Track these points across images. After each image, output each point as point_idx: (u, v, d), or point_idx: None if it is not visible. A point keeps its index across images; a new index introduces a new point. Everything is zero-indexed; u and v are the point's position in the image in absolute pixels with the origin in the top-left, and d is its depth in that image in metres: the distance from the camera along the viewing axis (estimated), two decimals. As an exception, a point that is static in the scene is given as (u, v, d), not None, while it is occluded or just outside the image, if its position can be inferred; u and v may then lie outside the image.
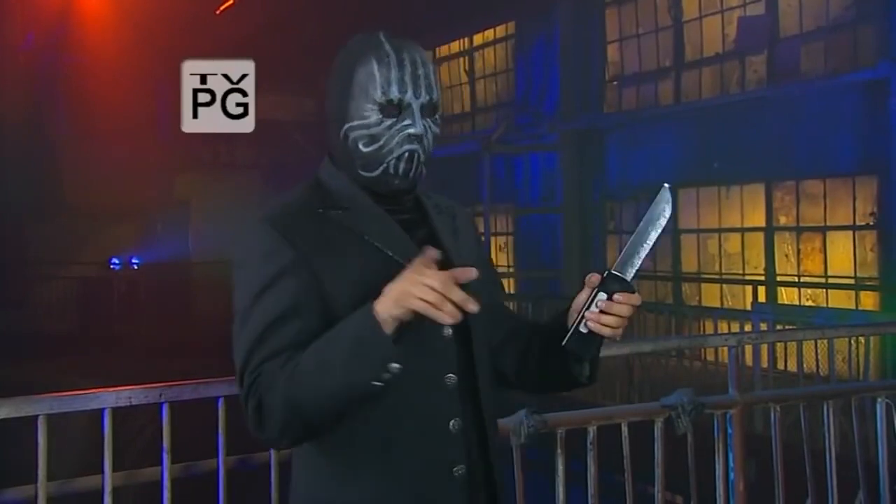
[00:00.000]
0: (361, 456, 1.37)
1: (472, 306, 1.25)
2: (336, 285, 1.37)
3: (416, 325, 1.30)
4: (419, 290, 1.24)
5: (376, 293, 1.28)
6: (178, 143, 16.38)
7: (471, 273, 1.28)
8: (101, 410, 1.94)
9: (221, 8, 13.14)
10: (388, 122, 1.40)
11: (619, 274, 1.39)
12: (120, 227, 15.56)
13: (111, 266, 15.97)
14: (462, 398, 1.42)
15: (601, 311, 1.37)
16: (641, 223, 1.43)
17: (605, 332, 1.37)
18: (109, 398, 1.94)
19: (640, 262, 1.40)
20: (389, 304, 1.26)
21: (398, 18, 12.47)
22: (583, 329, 1.39)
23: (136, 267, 16.07)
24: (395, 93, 1.39)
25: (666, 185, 1.46)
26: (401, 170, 1.41)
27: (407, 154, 1.41)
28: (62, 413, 1.90)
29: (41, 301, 13.98)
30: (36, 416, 1.88)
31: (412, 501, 1.37)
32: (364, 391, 1.29)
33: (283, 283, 1.35)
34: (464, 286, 1.28)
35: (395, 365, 1.27)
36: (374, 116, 1.40)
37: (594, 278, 1.39)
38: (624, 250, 1.41)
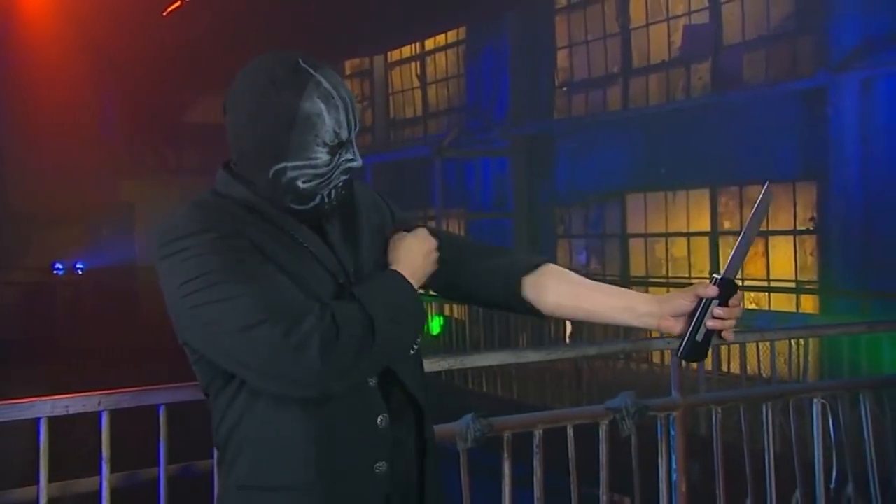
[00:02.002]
0: (290, 447, 1.38)
1: None
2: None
3: None
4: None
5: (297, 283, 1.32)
6: (123, 146, 16.12)
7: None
8: (37, 420, 1.90)
9: (168, 10, 12.93)
10: (334, 159, 1.41)
11: (730, 279, 1.45)
12: (64, 230, 15.22)
13: (54, 271, 15.61)
14: (387, 396, 1.45)
15: (722, 318, 1.45)
16: (748, 226, 1.49)
17: (729, 335, 1.48)
18: (45, 407, 1.90)
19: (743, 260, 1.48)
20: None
21: (350, 22, 12.44)
22: (698, 338, 1.46)
23: (80, 272, 15.73)
24: (344, 134, 1.40)
25: (767, 182, 1.53)
26: (335, 197, 1.43)
27: (343, 182, 1.44)
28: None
29: (-20, 307, 13.60)
30: (-32, 427, 1.83)
31: (337, 493, 1.39)
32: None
33: (232, 242, 1.33)
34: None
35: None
36: (323, 157, 1.40)
37: (710, 290, 1.45)
38: (732, 255, 1.47)
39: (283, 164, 1.39)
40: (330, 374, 1.28)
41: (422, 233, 1.53)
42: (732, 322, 1.46)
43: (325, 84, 1.39)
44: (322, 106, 1.38)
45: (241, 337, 1.27)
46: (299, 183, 1.40)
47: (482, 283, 1.61)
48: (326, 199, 1.43)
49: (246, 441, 1.40)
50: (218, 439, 1.44)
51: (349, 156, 1.43)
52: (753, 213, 1.49)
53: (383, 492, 1.43)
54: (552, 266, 1.63)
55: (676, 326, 1.49)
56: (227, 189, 1.43)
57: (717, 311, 1.45)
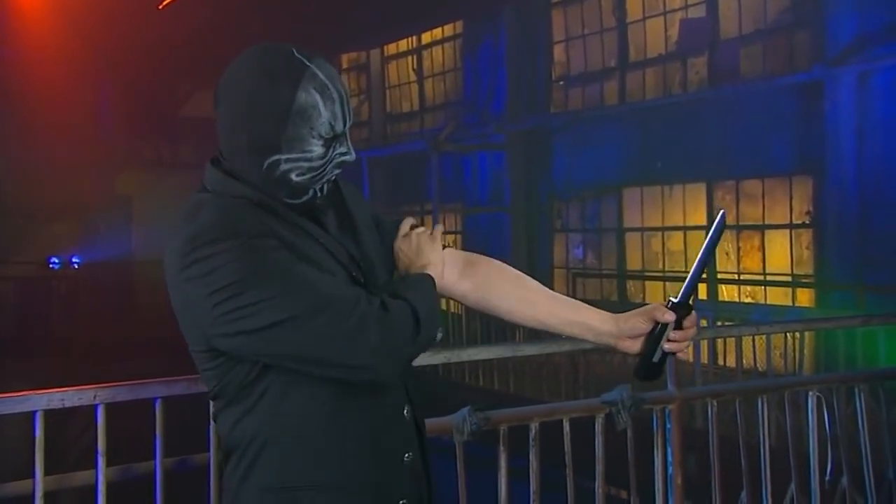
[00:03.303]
0: (323, 446, 1.37)
1: None
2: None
3: None
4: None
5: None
6: (119, 141, 16.07)
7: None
8: (33, 413, 1.90)
9: (164, 3, 12.89)
10: (328, 152, 1.40)
11: (685, 303, 1.50)
12: (60, 225, 15.18)
13: (50, 265, 15.57)
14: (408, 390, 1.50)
15: (677, 341, 1.51)
16: (703, 251, 1.54)
17: (684, 355, 1.60)
18: (41, 400, 1.90)
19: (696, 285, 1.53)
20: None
21: (346, 16, 12.41)
22: (655, 359, 1.51)
23: (76, 266, 15.69)
24: (339, 127, 1.39)
25: (722, 210, 1.57)
26: (325, 190, 1.43)
27: (334, 176, 1.44)
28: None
29: (-24, 302, 13.58)
30: (-36, 420, 1.83)
31: (369, 487, 1.39)
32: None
33: (265, 244, 1.32)
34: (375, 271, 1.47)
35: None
36: (318, 150, 1.38)
37: (667, 315, 1.50)
38: (687, 280, 1.52)
39: (276, 157, 1.37)
40: (388, 355, 1.30)
41: (437, 234, 1.57)
42: (687, 343, 1.52)
43: (321, 75, 1.38)
44: (318, 97, 1.36)
45: (300, 330, 1.27)
46: (293, 176, 1.38)
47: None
48: (318, 193, 1.43)
49: (270, 442, 1.37)
50: (231, 442, 1.40)
51: (343, 149, 1.42)
52: (708, 240, 1.52)
53: (411, 480, 1.45)
54: (504, 266, 1.63)
55: (634, 346, 1.54)
56: (223, 187, 1.40)
57: (673, 334, 1.50)
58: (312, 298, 1.27)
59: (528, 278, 1.62)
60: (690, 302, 1.51)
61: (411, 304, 1.34)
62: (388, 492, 1.41)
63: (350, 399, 1.37)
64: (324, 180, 1.42)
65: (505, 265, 1.63)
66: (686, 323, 1.50)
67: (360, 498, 1.38)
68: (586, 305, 1.59)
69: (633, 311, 1.55)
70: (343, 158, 1.42)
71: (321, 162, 1.40)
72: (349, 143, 1.43)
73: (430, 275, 1.46)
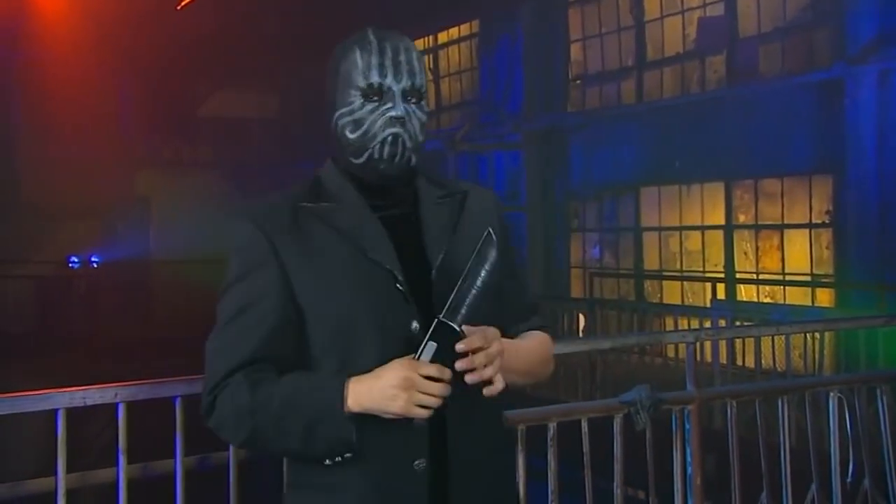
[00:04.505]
0: None
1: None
2: (304, 278, 1.40)
3: (377, 320, 1.40)
4: (419, 399, 1.31)
5: (342, 290, 1.35)
6: (138, 141, 16.18)
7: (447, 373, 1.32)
8: (55, 411, 1.91)
9: (182, 3, 12.96)
10: (370, 106, 1.44)
11: (448, 322, 1.34)
12: (79, 224, 15.30)
13: (70, 265, 15.70)
14: None
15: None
16: (470, 266, 1.39)
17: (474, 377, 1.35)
18: (63, 399, 1.91)
19: (470, 304, 1.36)
20: (365, 409, 1.33)
21: (362, 16, 12.42)
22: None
23: (95, 265, 15.82)
24: (375, 77, 1.43)
25: (490, 229, 1.43)
26: (385, 153, 1.43)
27: (391, 137, 1.43)
28: (15, 414, 1.87)
29: (-3, 300, 13.71)
30: (-13, 418, 1.85)
31: (373, 491, 1.39)
32: (320, 459, 1.38)
33: (252, 278, 1.41)
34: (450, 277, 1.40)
35: (349, 454, 1.35)
36: (357, 101, 1.44)
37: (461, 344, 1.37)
38: (453, 295, 1.36)
39: (336, 114, 1.47)
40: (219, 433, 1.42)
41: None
42: (473, 374, 1.34)
43: (371, 35, 1.46)
44: (358, 51, 1.45)
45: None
46: (347, 133, 1.45)
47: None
48: (377, 155, 1.44)
49: None
50: None
51: (389, 104, 1.44)
52: (474, 257, 1.40)
53: (423, 487, 1.41)
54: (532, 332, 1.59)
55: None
56: (322, 172, 1.52)
57: (429, 353, 1.34)
58: (208, 363, 1.42)
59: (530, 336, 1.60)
60: (458, 325, 1.33)
61: (224, 410, 1.39)
62: (394, 497, 1.40)
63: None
64: (377, 140, 1.43)
65: (531, 334, 1.60)
66: (459, 346, 1.32)
67: (362, 500, 1.39)
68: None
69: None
70: (389, 114, 1.43)
71: (361, 113, 1.44)
72: (399, 100, 1.44)
73: (335, 397, 1.34)
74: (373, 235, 1.43)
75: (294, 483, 1.47)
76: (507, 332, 1.53)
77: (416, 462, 1.40)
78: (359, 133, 1.44)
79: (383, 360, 1.36)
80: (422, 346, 1.34)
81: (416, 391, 1.30)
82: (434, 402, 1.31)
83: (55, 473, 1.92)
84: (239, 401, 1.36)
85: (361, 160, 1.45)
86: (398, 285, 1.41)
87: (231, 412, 1.37)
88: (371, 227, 1.44)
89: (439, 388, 1.30)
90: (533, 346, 1.55)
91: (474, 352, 1.34)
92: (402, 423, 1.38)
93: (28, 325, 13.26)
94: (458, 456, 1.42)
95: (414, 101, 1.45)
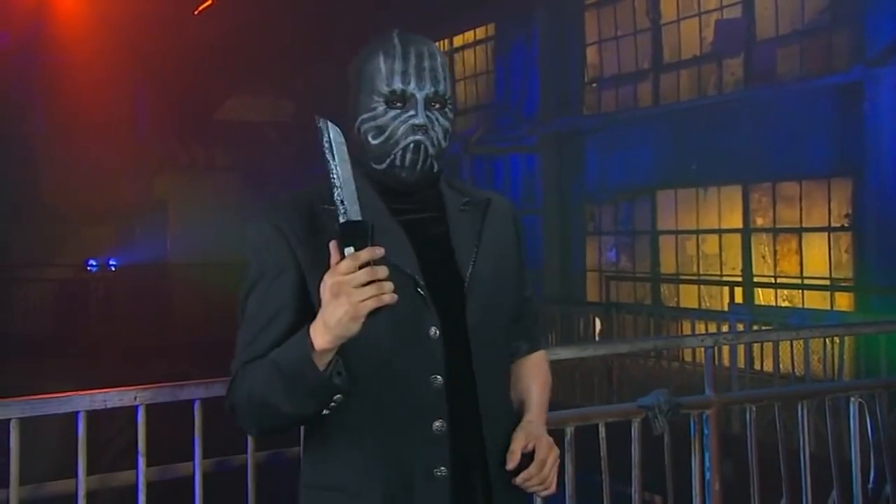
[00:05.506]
0: (346, 448, 1.41)
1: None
2: (320, 281, 1.38)
3: (394, 325, 1.35)
4: (358, 295, 1.23)
5: None
6: (155, 145, 16.29)
7: (377, 252, 1.25)
8: (76, 414, 1.93)
9: (199, 9, 13.05)
10: (393, 112, 1.43)
11: (349, 220, 1.27)
12: (97, 228, 15.42)
13: (88, 268, 15.82)
14: (453, 399, 1.41)
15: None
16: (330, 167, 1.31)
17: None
18: (83, 401, 1.92)
19: (349, 198, 1.29)
20: (331, 337, 1.27)
21: (377, 20, 12.45)
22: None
23: (113, 269, 15.93)
24: (398, 83, 1.42)
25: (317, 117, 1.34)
26: (407, 161, 1.43)
27: (412, 145, 1.43)
28: (36, 417, 1.88)
29: (17, 304, 13.81)
30: (8, 420, 1.86)
31: (386, 500, 1.38)
32: (319, 413, 1.35)
33: (269, 279, 1.41)
34: (473, 283, 1.43)
35: (339, 396, 1.32)
36: (380, 107, 1.43)
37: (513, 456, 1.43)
38: (336, 201, 1.29)
39: (359, 118, 1.46)
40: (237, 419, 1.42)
41: None
42: (540, 487, 1.45)
43: (395, 40, 1.45)
44: (381, 57, 1.43)
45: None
46: (370, 138, 1.44)
47: None
48: (399, 162, 1.43)
49: (310, 442, 1.48)
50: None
51: (411, 112, 1.43)
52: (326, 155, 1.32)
53: (443, 494, 1.41)
54: (536, 355, 1.64)
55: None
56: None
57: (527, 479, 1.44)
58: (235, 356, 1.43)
59: (527, 365, 1.63)
60: (354, 216, 1.27)
61: (231, 398, 1.40)
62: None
63: (369, 410, 1.38)
64: (399, 147, 1.43)
65: (538, 361, 1.65)
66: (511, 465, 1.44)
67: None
68: (534, 402, 1.57)
69: (516, 434, 1.48)
70: (412, 122, 1.42)
71: (384, 120, 1.43)
72: (422, 107, 1.43)
73: (302, 346, 1.30)
74: (393, 240, 1.41)
75: (307, 483, 1.47)
76: (513, 342, 1.59)
77: (436, 469, 1.39)
78: (381, 139, 1.43)
79: (399, 367, 1.35)
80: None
81: (350, 288, 1.22)
82: (371, 290, 1.22)
83: (76, 475, 1.93)
84: (241, 391, 1.38)
85: (383, 166, 1.45)
86: (419, 290, 1.40)
87: (241, 403, 1.39)
88: (392, 231, 1.43)
89: (364, 274, 1.22)
90: (546, 396, 1.61)
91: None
92: (422, 429, 1.37)
93: (47, 329, 13.36)
94: (483, 465, 1.43)
95: (437, 107, 1.45)
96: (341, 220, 1.27)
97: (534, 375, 1.61)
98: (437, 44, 1.48)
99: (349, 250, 1.24)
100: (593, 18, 12.57)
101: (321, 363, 1.28)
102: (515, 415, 1.54)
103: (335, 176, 1.29)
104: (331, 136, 1.30)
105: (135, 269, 15.19)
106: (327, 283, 1.25)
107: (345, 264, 1.23)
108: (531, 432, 1.46)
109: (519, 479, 1.43)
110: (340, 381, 1.31)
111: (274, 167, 16.25)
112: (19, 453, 1.87)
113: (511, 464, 1.42)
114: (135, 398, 1.97)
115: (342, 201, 1.28)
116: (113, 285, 14.97)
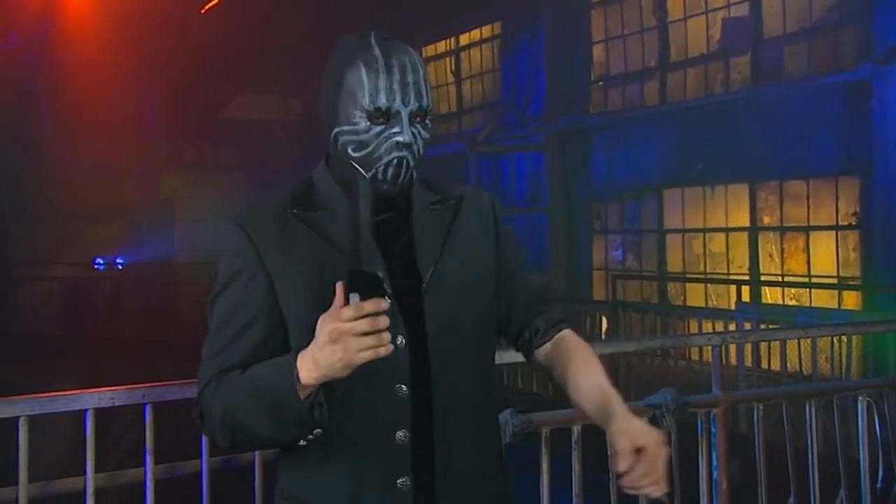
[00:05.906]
0: (312, 459, 1.40)
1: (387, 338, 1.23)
2: (290, 288, 1.38)
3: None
4: (357, 345, 1.21)
5: (326, 301, 1.25)
6: (163, 143, 16.33)
7: (383, 305, 1.22)
8: (84, 412, 1.93)
9: (206, 7, 13.07)
10: (377, 129, 1.38)
11: (358, 269, 1.27)
12: (104, 226, 15.47)
13: (95, 266, 15.87)
14: (417, 408, 1.38)
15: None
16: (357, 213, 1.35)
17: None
18: (92, 399, 1.93)
19: (365, 246, 1.32)
20: (319, 376, 1.25)
21: (384, 18, 12.47)
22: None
23: (120, 267, 15.98)
24: (382, 101, 1.37)
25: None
26: (389, 175, 1.39)
27: (396, 161, 1.38)
28: (44, 414, 1.89)
29: (24, 302, 13.88)
30: (17, 418, 1.87)
31: None
32: (295, 442, 1.34)
33: (239, 286, 1.40)
34: (444, 290, 1.39)
35: (318, 430, 1.31)
36: (363, 123, 1.38)
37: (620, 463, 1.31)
38: (349, 245, 1.35)
39: (337, 129, 1.41)
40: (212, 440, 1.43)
41: None
42: (655, 487, 1.31)
43: (376, 51, 1.39)
44: (363, 70, 1.38)
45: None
46: (350, 150, 1.40)
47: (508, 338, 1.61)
48: (381, 177, 1.39)
49: (283, 453, 1.46)
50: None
51: (396, 129, 1.38)
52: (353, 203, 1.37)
53: None
54: (564, 335, 1.58)
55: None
56: (316, 176, 1.48)
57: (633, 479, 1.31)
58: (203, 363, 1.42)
59: (574, 344, 1.57)
60: (364, 267, 1.29)
61: (210, 407, 1.37)
62: None
63: (334, 420, 1.34)
64: (382, 162, 1.39)
65: (579, 348, 1.57)
66: (622, 465, 1.32)
67: None
68: (612, 396, 1.47)
69: (619, 435, 1.36)
70: (396, 139, 1.38)
71: (367, 136, 1.38)
72: (406, 125, 1.38)
73: (287, 375, 1.28)
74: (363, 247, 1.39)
75: (279, 494, 1.46)
76: (527, 328, 1.56)
77: (400, 480, 1.37)
78: (363, 154, 1.39)
79: (366, 375, 1.30)
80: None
81: (349, 337, 1.21)
82: (370, 341, 1.21)
83: (84, 473, 1.94)
84: (216, 403, 1.35)
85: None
86: (387, 297, 1.36)
87: (214, 416, 1.36)
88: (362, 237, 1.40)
89: (366, 324, 1.21)
90: (606, 378, 1.52)
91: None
92: (385, 440, 1.37)
93: (54, 327, 13.41)
94: (445, 476, 1.40)
95: (419, 120, 1.41)
96: (352, 266, 1.28)
97: (580, 366, 1.52)
98: (443, 42, 1.45)
99: (354, 297, 1.23)
100: (600, 17, 12.55)
101: (303, 393, 1.28)
102: (494, 417, 1.53)
103: (360, 225, 1.32)
104: (363, 189, 1.35)
105: (142, 268, 15.23)
106: (326, 326, 1.23)
107: (348, 312, 1.21)
108: (634, 429, 1.35)
109: (626, 481, 1.33)
110: (319, 416, 1.29)
111: (281, 166, 16.26)
112: (28, 451, 1.88)
113: (623, 465, 1.31)
114: (143, 396, 1.97)
115: (359, 249, 1.31)
116: (120, 284, 15.04)
